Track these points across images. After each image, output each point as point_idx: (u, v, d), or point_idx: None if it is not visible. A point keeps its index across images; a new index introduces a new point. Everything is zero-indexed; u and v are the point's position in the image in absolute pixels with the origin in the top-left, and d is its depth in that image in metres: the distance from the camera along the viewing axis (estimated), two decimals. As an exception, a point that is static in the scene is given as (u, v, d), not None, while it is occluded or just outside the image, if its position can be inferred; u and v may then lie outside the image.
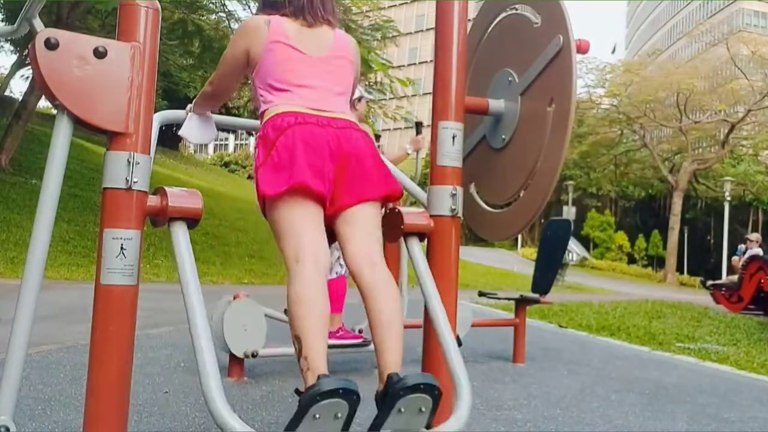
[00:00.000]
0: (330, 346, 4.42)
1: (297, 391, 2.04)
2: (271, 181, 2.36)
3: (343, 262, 4.91)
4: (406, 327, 5.04)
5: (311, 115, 2.46)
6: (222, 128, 3.17)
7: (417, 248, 2.53)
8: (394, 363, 2.24)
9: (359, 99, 4.94)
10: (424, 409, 2.09)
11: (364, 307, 2.37)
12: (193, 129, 3.03)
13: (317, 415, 1.95)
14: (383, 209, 2.61)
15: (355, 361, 5.53)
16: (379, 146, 5.42)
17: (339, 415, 1.98)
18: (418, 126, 5.52)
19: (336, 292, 4.87)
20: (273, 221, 2.44)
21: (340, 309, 5.01)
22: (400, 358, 2.27)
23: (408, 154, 5.24)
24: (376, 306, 2.34)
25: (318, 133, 2.41)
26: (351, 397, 1.97)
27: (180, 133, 3.06)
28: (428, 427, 2.14)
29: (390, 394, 2.08)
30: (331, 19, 2.68)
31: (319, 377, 2.04)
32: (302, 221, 2.37)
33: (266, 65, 2.57)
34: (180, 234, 2.21)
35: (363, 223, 2.48)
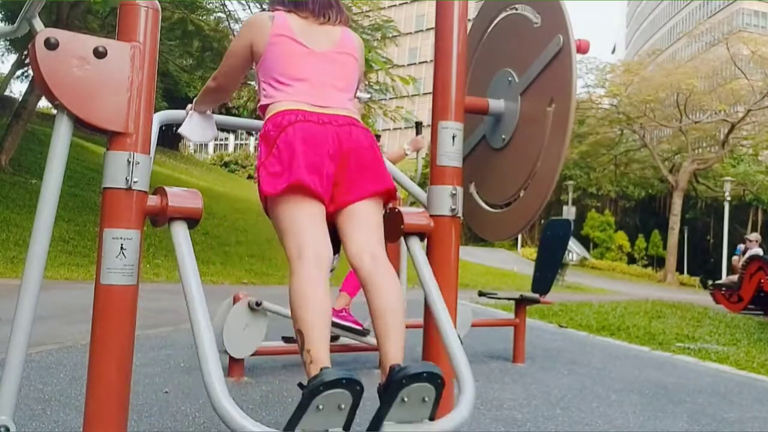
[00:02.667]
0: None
1: (300, 385, 2.04)
2: (271, 179, 2.39)
3: None
4: (410, 327, 5.03)
5: (312, 112, 2.46)
6: (222, 128, 3.18)
7: (417, 247, 2.54)
8: (395, 354, 2.25)
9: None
10: (427, 398, 2.08)
11: (366, 299, 2.39)
12: (194, 127, 3.03)
13: (320, 407, 1.95)
14: (384, 208, 2.61)
15: (356, 361, 5.53)
16: (379, 146, 5.43)
17: (342, 406, 1.98)
18: (418, 126, 5.51)
19: (354, 278, 4.87)
20: (275, 219, 2.46)
21: (353, 293, 4.98)
22: (402, 350, 2.28)
23: (407, 154, 5.23)
24: (376, 297, 2.35)
25: (318, 131, 2.42)
26: (354, 387, 1.96)
27: (180, 131, 3.06)
28: (431, 418, 2.12)
29: (392, 384, 2.06)
30: (340, 18, 2.69)
31: (321, 369, 2.03)
32: (303, 219, 2.39)
33: (269, 59, 2.57)
34: (180, 234, 2.21)
35: (364, 219, 2.50)
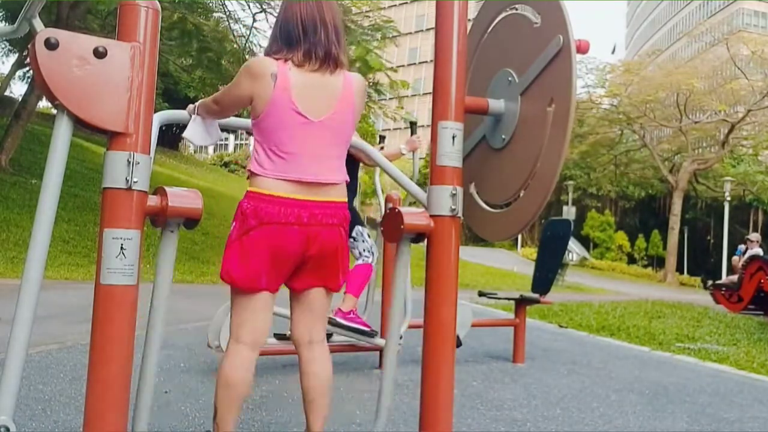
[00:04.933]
0: (335, 324, 4.56)
1: None
2: (237, 272, 2.66)
3: (374, 251, 4.96)
4: (410, 327, 5.07)
5: (293, 201, 2.63)
6: (223, 128, 3.18)
7: (405, 251, 2.63)
8: (319, 428, 2.81)
9: None
10: None
11: (299, 374, 2.85)
12: (197, 131, 3.06)
13: None
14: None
15: (356, 361, 5.53)
16: (382, 148, 5.43)
17: None
18: (413, 126, 5.51)
19: (359, 276, 4.89)
20: (232, 294, 2.76)
21: (357, 293, 4.99)
22: (323, 423, 2.83)
23: (402, 154, 5.23)
24: (307, 379, 2.82)
25: (290, 237, 2.64)
26: None
27: (184, 135, 3.09)
28: None
29: None
30: (341, 58, 2.75)
31: None
32: (254, 310, 2.72)
33: (267, 124, 2.66)
34: (171, 239, 2.32)
35: (312, 306, 2.86)
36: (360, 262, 4.92)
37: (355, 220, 4.80)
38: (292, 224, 2.62)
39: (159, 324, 2.36)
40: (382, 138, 6.94)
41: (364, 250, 4.95)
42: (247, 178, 2.75)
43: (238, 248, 2.64)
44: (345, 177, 2.82)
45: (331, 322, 4.67)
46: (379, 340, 4.92)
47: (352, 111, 2.78)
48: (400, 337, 4.84)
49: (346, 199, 2.84)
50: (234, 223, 2.68)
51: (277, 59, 2.68)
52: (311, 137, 2.67)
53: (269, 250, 2.62)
